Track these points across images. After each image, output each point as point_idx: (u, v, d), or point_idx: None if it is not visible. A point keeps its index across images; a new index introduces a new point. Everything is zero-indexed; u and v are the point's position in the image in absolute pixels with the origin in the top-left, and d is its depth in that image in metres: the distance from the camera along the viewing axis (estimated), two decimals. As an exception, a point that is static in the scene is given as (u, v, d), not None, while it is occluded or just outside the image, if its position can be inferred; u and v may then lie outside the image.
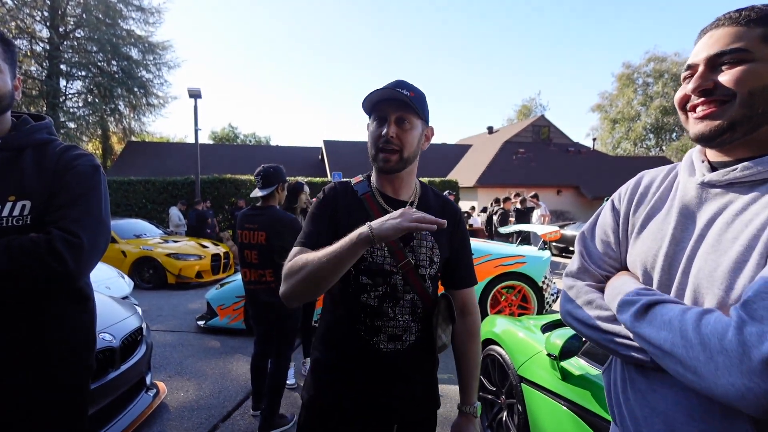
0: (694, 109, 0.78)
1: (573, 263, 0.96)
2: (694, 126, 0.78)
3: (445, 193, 9.29)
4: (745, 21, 0.73)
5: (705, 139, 0.77)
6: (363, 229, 0.94)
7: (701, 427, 0.70)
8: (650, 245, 0.81)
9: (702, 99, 0.76)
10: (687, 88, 0.79)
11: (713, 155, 0.80)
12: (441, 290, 1.26)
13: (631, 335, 0.77)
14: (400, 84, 1.14)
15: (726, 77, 0.73)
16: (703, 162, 0.80)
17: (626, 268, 0.88)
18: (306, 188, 3.46)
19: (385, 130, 1.12)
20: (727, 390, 0.60)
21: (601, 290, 0.88)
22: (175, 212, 10.45)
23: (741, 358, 0.59)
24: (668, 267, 0.77)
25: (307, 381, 1.24)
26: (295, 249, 1.12)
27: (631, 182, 0.94)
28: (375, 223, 0.94)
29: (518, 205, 9.41)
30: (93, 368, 1.26)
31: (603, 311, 0.83)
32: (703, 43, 0.78)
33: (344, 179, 1.26)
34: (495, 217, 9.04)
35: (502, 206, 9.19)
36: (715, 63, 0.75)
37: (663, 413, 0.75)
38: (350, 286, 1.15)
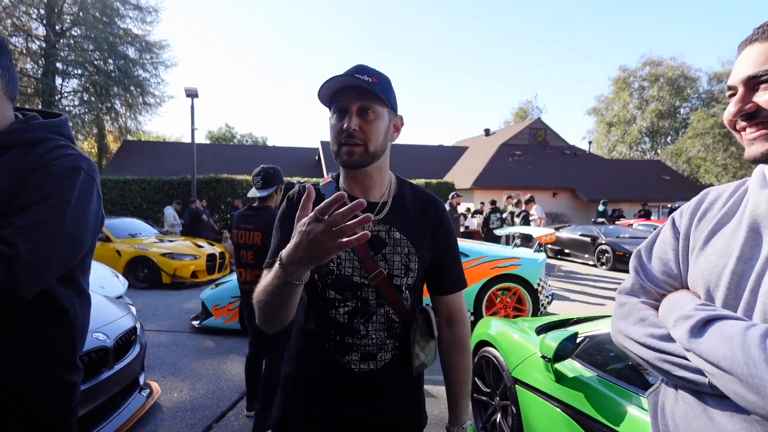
0: (743, 130, 0.75)
1: (627, 280, 0.89)
2: (748, 149, 0.74)
3: (451, 195, 9.32)
4: None
5: (759, 161, 0.74)
6: (277, 265, 0.81)
7: None
8: (715, 262, 0.74)
9: (747, 122, 0.73)
10: (730, 110, 0.75)
11: None
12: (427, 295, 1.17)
13: (686, 355, 0.71)
14: (360, 69, 1.00)
15: (763, 98, 0.70)
16: None
17: (686, 288, 0.82)
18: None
19: (346, 123, 0.98)
20: None
21: (656, 308, 0.81)
22: (170, 212, 10.41)
23: None
24: (735, 286, 0.70)
25: (277, 398, 1.14)
26: (264, 271, 1.00)
27: (695, 198, 0.87)
28: (284, 253, 0.79)
29: (513, 208, 9.45)
30: (72, 383, 1.12)
31: (657, 329, 0.77)
32: (740, 62, 0.74)
33: (311, 182, 1.17)
34: (517, 219, 9.05)
35: (524, 208, 9.19)
36: (752, 84, 0.72)
37: None
38: (318, 301, 1.05)
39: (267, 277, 0.87)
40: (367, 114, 0.99)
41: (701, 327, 0.68)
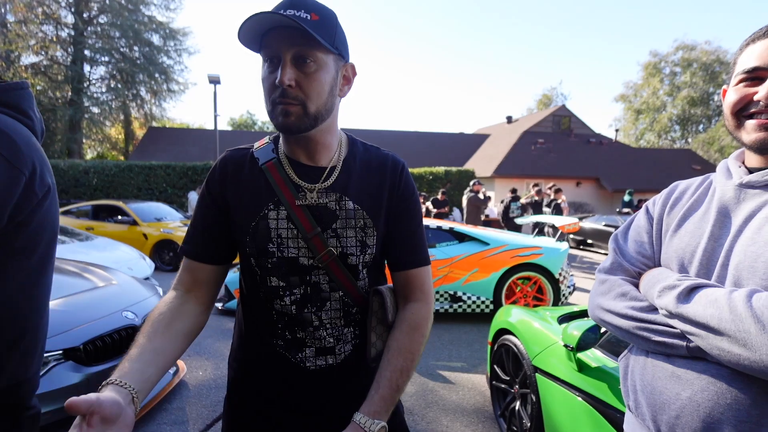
0: (754, 115, 0.77)
1: (606, 261, 0.97)
2: (757, 132, 0.76)
3: (472, 182, 9.23)
4: None
5: (764, 150, 0.77)
6: (109, 380, 0.68)
7: (727, 414, 0.70)
8: (688, 241, 0.83)
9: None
10: (754, 92, 0.77)
11: (753, 161, 0.82)
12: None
13: (667, 323, 0.78)
14: (294, 2, 0.76)
15: None
16: (740, 167, 0.83)
17: (659, 266, 0.91)
18: None
19: (278, 77, 0.77)
20: None
21: (635, 285, 0.89)
22: (194, 197, 10.65)
23: None
24: (707, 261, 0.79)
25: (224, 405, 1.00)
26: (183, 260, 0.90)
27: (665, 190, 0.97)
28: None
29: (535, 197, 9.30)
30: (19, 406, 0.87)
31: (638, 302, 0.84)
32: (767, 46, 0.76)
33: (243, 146, 0.94)
34: (547, 209, 8.96)
35: (553, 197, 9.08)
36: None
37: (686, 399, 0.75)
38: (259, 291, 0.88)
39: (134, 344, 0.76)
40: (306, 64, 0.78)
41: (687, 294, 0.75)
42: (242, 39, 0.79)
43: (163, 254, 7.67)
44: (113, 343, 2.35)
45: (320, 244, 0.84)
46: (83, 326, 2.26)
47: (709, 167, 22.25)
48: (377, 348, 0.89)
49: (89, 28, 20.46)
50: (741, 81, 0.79)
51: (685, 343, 0.75)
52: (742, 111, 0.80)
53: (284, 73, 0.77)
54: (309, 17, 0.76)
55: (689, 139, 31.91)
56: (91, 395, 0.59)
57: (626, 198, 13.63)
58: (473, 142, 23.84)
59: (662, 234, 0.91)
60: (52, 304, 2.34)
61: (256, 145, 0.93)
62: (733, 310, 0.67)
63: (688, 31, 68.15)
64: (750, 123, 0.78)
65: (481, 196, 9.22)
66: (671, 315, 0.77)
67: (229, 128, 40.90)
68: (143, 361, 0.73)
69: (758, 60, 0.77)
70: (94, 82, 21.71)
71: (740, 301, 0.67)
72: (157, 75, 21.91)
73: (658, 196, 0.98)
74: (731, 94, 0.81)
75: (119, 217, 8.14)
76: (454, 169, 15.08)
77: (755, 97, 0.77)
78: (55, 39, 19.96)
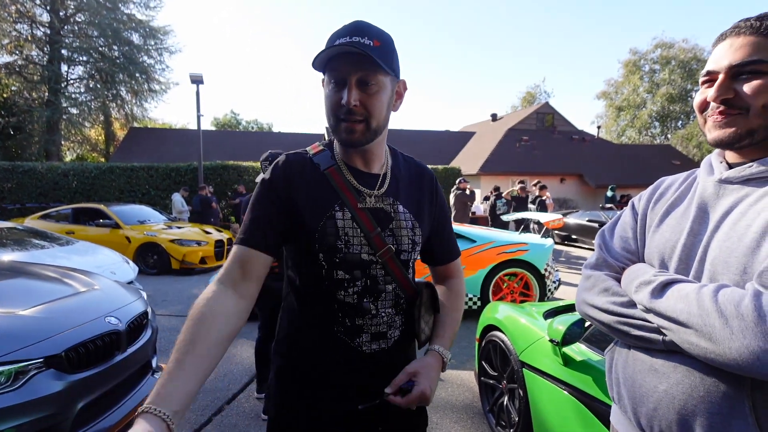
0: (712, 114, 0.81)
1: (592, 256, 0.99)
2: (713, 131, 0.81)
3: (458, 180, 9.30)
4: (763, 32, 0.75)
5: (723, 144, 0.81)
6: (145, 406, 0.70)
7: (700, 407, 0.72)
8: (669, 237, 0.85)
9: (722, 107, 0.79)
10: (708, 94, 0.81)
11: (732, 157, 0.84)
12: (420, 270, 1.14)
13: (645, 318, 0.80)
14: (359, 29, 0.87)
15: (743, 88, 0.76)
16: (721, 162, 0.84)
17: (643, 262, 0.92)
18: None
19: (345, 98, 0.87)
20: (740, 352, 0.63)
21: (618, 280, 0.91)
22: (178, 198, 10.47)
23: (757, 321, 0.62)
24: (685, 257, 0.80)
25: (271, 393, 1.04)
26: (233, 249, 0.94)
27: (652, 185, 0.99)
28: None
29: (519, 193, 9.40)
30: None
31: (619, 297, 0.86)
32: (723, 50, 0.80)
33: (298, 150, 1.03)
34: (532, 206, 9.04)
35: (538, 194, 9.17)
36: (735, 73, 0.78)
37: (663, 392, 0.77)
38: (323, 283, 0.96)
39: (176, 351, 0.81)
40: (368, 86, 0.88)
41: (661, 289, 0.77)
42: (315, 64, 0.91)
43: (147, 257, 7.54)
44: (96, 350, 2.29)
45: (380, 242, 0.96)
46: (64, 333, 2.20)
47: (688, 162, 22.78)
48: (425, 333, 1.04)
49: (66, 27, 19.92)
50: (703, 83, 0.84)
51: (661, 338, 0.77)
52: (703, 111, 0.84)
53: (350, 95, 0.87)
54: (371, 44, 0.86)
55: (669, 135, 32.60)
56: None
57: (609, 193, 13.88)
58: (459, 139, 23.98)
59: (646, 229, 0.92)
60: (32, 311, 2.29)
61: (311, 151, 1.01)
62: (701, 304, 0.69)
63: (666, 29, 69.63)
64: (708, 122, 0.82)
65: (467, 192, 9.29)
66: (647, 310, 0.79)
67: (213, 128, 40.33)
68: (183, 377, 0.75)
69: (712, 63, 0.81)
70: (72, 82, 21.15)
71: (707, 296, 0.69)
72: (137, 74, 21.45)
73: (645, 191, 0.99)
74: (697, 95, 0.85)
75: (101, 220, 7.96)
76: (440, 167, 15.15)
77: (708, 98, 0.81)
78: (30, 38, 19.39)
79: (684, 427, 0.74)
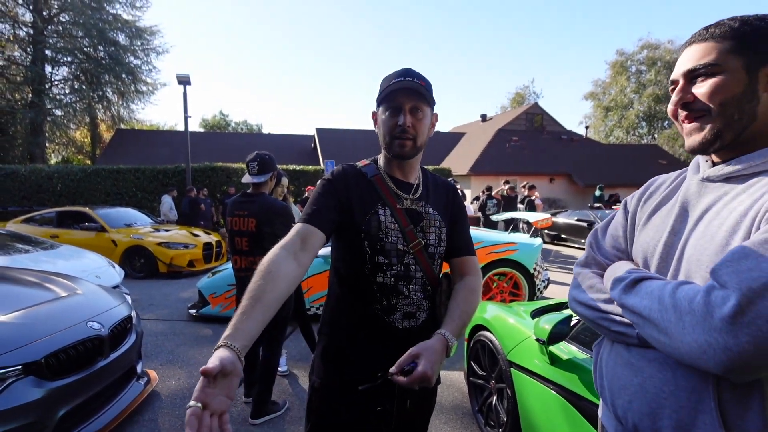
0: (683, 121, 0.84)
1: (582, 255, 1.03)
2: (686, 139, 0.84)
3: (449, 180, 9.34)
4: (713, 36, 0.79)
5: (696, 151, 0.83)
6: (222, 341, 0.85)
7: (669, 401, 0.74)
8: (652, 236, 0.87)
9: (686, 112, 0.82)
10: (672, 100, 0.85)
11: (718, 155, 0.84)
12: (445, 267, 1.31)
13: (621, 312, 0.82)
14: (410, 73, 1.16)
15: (700, 90, 0.79)
16: (707, 161, 0.86)
17: (631, 260, 0.94)
18: (285, 180, 3.37)
19: (401, 120, 1.14)
20: (691, 347, 0.66)
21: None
22: (168, 200, 10.34)
23: (705, 316, 0.64)
24: (666, 255, 0.82)
25: (316, 365, 1.25)
26: (296, 225, 1.13)
27: (645, 184, 1.01)
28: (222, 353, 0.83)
29: (507, 192, 9.45)
30: None
31: (602, 294, 0.89)
32: (681, 58, 0.84)
33: (350, 163, 1.30)
34: (521, 206, 9.08)
35: (527, 194, 9.20)
36: (691, 77, 0.81)
37: (637, 385, 0.80)
38: (365, 266, 1.17)
39: (244, 302, 0.92)
40: (417, 113, 1.16)
41: (632, 285, 0.80)
42: (378, 99, 1.19)
43: (134, 261, 7.42)
44: (78, 355, 2.25)
45: (413, 235, 1.19)
46: (44, 339, 2.15)
47: (674, 162, 23.12)
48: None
49: (50, 27, 19.53)
50: (671, 91, 0.86)
51: (636, 332, 0.79)
52: (677, 119, 0.86)
53: (406, 118, 1.15)
54: (419, 83, 1.15)
55: (655, 135, 33.06)
56: (216, 362, 0.78)
57: (597, 193, 14.03)
58: (449, 140, 24.05)
59: (635, 228, 0.94)
60: (10, 317, 2.23)
61: (360, 164, 1.27)
62: (661, 300, 0.72)
63: (652, 30, 70.63)
64: (684, 129, 0.84)
65: (459, 193, 9.32)
66: (619, 305, 0.82)
67: (202, 129, 39.95)
68: (252, 320, 0.89)
69: (674, 73, 0.85)
70: (56, 83, 20.74)
71: (668, 293, 0.71)
72: (123, 75, 21.09)
73: (638, 190, 1.02)
74: (669, 104, 0.87)
75: (86, 223, 7.82)
76: (430, 167, 15.17)
77: (672, 104, 0.85)
78: (12, 38, 18.98)
79: (654, 420, 0.76)
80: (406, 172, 1.25)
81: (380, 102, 1.19)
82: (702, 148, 0.81)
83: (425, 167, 1.36)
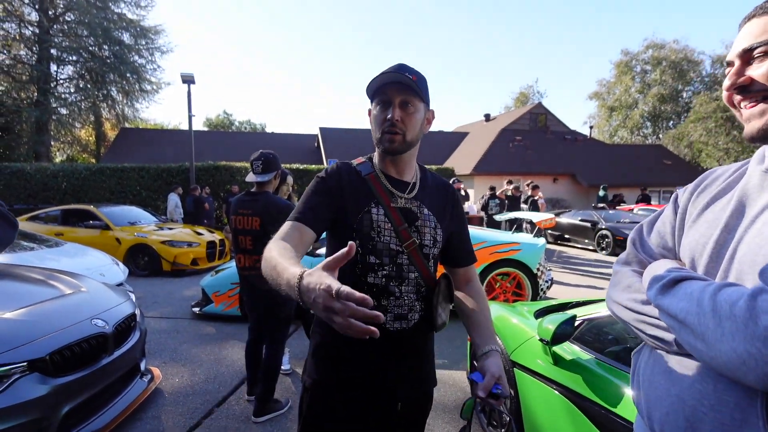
0: (740, 105, 0.75)
1: (624, 252, 0.95)
2: (745, 126, 0.74)
3: (452, 180, 9.32)
4: None
5: (756, 140, 0.74)
6: (294, 279, 0.78)
7: (709, 416, 0.67)
8: (703, 232, 0.78)
9: (741, 96, 0.74)
10: (725, 84, 0.76)
11: None
12: (440, 270, 1.28)
13: (658, 314, 0.75)
14: (402, 68, 1.13)
15: (757, 72, 0.70)
16: None
17: (678, 259, 0.85)
18: (290, 179, 3.36)
19: (390, 114, 1.12)
20: (729, 356, 0.59)
21: None
22: (174, 198, 10.40)
23: (747, 323, 0.57)
24: (716, 255, 0.73)
25: (308, 364, 1.23)
26: (287, 223, 1.10)
27: (700, 176, 0.90)
28: (305, 282, 0.75)
29: (512, 192, 9.42)
30: None
31: (639, 294, 0.82)
32: (738, 37, 0.75)
33: (345, 161, 1.27)
34: (525, 206, 9.05)
35: (530, 194, 9.18)
36: (748, 57, 0.72)
37: (675, 396, 0.73)
38: (356, 266, 1.14)
39: (279, 262, 0.88)
40: (407, 107, 1.13)
41: (670, 286, 0.72)
42: (368, 89, 1.15)
43: (138, 259, 7.45)
44: (82, 353, 2.26)
45: (407, 234, 1.16)
46: (49, 336, 2.16)
47: (679, 162, 23.00)
48: (442, 319, 1.19)
49: (55, 26, 19.64)
50: (726, 73, 0.78)
51: (673, 338, 0.72)
52: (734, 106, 0.77)
53: (395, 112, 1.12)
54: (411, 78, 1.10)
55: (660, 135, 32.87)
56: (325, 280, 0.72)
57: (601, 193, 13.98)
58: (452, 140, 24.01)
59: (684, 224, 0.85)
60: (15, 314, 2.24)
61: (355, 162, 1.24)
62: (700, 303, 0.64)
63: (657, 29, 70.21)
64: (743, 115, 0.75)
65: (462, 193, 9.30)
66: (655, 307, 0.75)
67: (206, 128, 40.08)
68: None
69: (729, 53, 0.75)
70: (61, 82, 20.86)
71: (708, 295, 0.64)
72: (128, 74, 21.19)
73: (692, 183, 0.91)
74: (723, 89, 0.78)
75: (90, 221, 7.86)
76: (433, 167, 15.17)
77: (725, 89, 0.75)
78: (18, 37, 19.10)
79: None
80: (400, 170, 1.22)
81: (372, 97, 1.17)
82: (762, 136, 0.71)
83: (426, 166, 1.34)
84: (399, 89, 1.11)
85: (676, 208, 0.88)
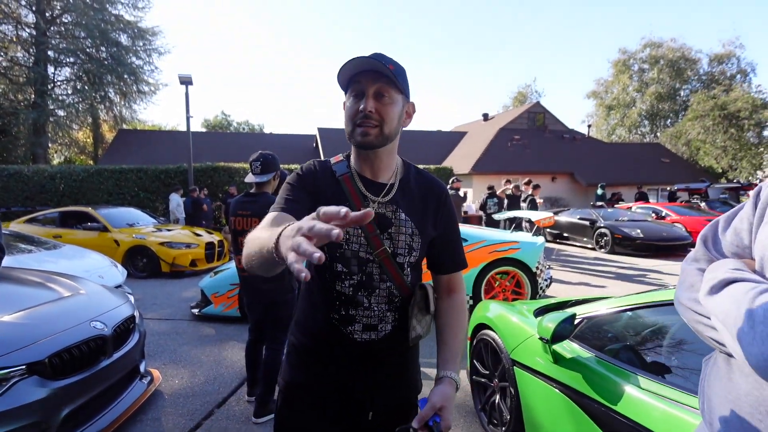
0: None
1: (693, 249, 0.90)
2: None
3: (452, 180, 9.32)
4: None
5: None
6: (272, 244, 0.69)
7: (765, 423, 0.65)
8: None
9: None
10: None
11: None
12: (426, 274, 1.22)
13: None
14: (378, 56, 1.03)
15: None
16: None
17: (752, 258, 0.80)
18: None
19: (362, 105, 1.02)
20: (757, 359, 0.59)
21: None
22: (176, 199, 10.37)
23: None
24: None
25: (283, 365, 1.20)
26: (270, 213, 1.02)
27: None
28: (281, 242, 0.66)
29: (511, 191, 9.42)
30: None
31: (698, 294, 0.79)
32: None
33: (323, 159, 1.21)
34: (524, 204, 9.03)
35: (531, 193, 9.16)
36: None
37: (732, 401, 0.71)
38: (325, 273, 1.09)
39: (263, 235, 0.77)
40: (383, 98, 1.03)
41: (721, 287, 0.69)
42: (339, 77, 1.05)
43: (137, 261, 7.44)
44: (81, 355, 2.25)
45: (378, 242, 1.07)
46: (48, 339, 2.16)
47: (677, 160, 23.06)
48: (417, 331, 1.12)
49: (52, 28, 19.59)
50: None
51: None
52: None
53: (368, 102, 1.02)
54: (388, 66, 1.01)
55: (658, 134, 32.91)
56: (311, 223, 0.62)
57: (599, 192, 14.01)
58: (451, 139, 24.03)
59: (763, 220, 0.78)
60: (13, 317, 2.24)
61: (333, 160, 1.17)
62: (740, 306, 0.63)
63: (655, 28, 70.28)
64: None
65: (461, 194, 9.30)
66: (705, 307, 0.73)
67: (204, 130, 40.02)
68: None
69: None
70: (59, 83, 20.81)
71: (749, 298, 0.62)
72: (126, 76, 21.15)
73: None
74: None
75: (88, 223, 7.84)
76: (432, 166, 15.17)
77: None
78: (15, 39, 19.05)
79: None
80: (376, 170, 1.12)
81: (345, 87, 1.07)
82: None
83: (414, 165, 1.23)
84: (374, 78, 1.02)
85: (757, 203, 0.80)
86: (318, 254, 0.55)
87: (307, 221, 0.61)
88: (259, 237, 0.81)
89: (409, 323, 1.11)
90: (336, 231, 0.57)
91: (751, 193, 0.85)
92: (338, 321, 1.09)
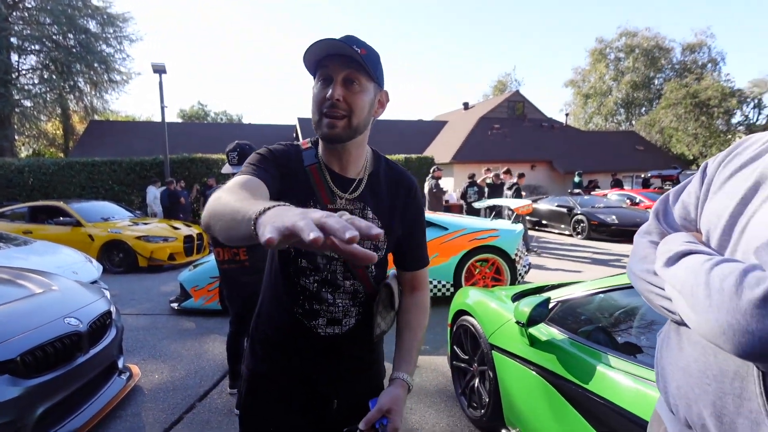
0: None
1: (646, 222, 0.92)
2: None
3: (433, 169, 9.32)
4: None
5: None
6: (254, 213, 0.59)
7: (712, 386, 0.69)
8: (722, 203, 0.74)
9: None
10: None
11: None
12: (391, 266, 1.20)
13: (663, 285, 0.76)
14: (350, 39, 0.95)
15: None
16: None
17: (698, 231, 0.83)
18: None
19: (330, 92, 0.94)
20: (711, 325, 0.61)
21: None
22: (153, 191, 10.12)
23: (732, 297, 0.59)
24: (729, 228, 0.71)
25: (246, 354, 1.18)
26: (238, 177, 0.92)
27: (733, 144, 0.86)
28: (268, 216, 0.57)
29: (490, 180, 9.52)
30: None
31: (652, 265, 0.81)
32: None
33: (295, 142, 1.12)
34: (509, 192, 9.09)
35: (516, 181, 9.22)
36: None
37: (682, 369, 0.74)
38: (290, 267, 1.06)
39: (238, 204, 0.67)
40: (352, 85, 0.95)
41: (677, 258, 0.72)
42: (305, 60, 0.96)
43: (113, 256, 7.26)
44: (56, 352, 2.20)
45: None
46: (19, 337, 2.10)
47: (651, 147, 23.67)
48: (381, 328, 1.11)
49: (15, 13, 18.68)
50: None
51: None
52: None
53: (335, 90, 0.93)
54: (359, 51, 0.93)
55: (633, 122, 33.71)
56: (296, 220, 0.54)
57: (576, 179, 14.30)
58: (432, 128, 24.06)
59: (709, 194, 0.81)
60: (-19, 315, 2.16)
61: (302, 146, 1.10)
62: (697, 275, 0.66)
63: (631, 17, 71.42)
64: None
65: (442, 185, 9.34)
66: (661, 278, 0.76)
67: (180, 120, 38.98)
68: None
69: None
70: (24, 72, 19.93)
71: (705, 268, 0.65)
72: (95, 64, 20.38)
73: (722, 152, 0.87)
74: None
75: (60, 218, 7.59)
76: (413, 156, 15.16)
77: None
78: (-26, 25, 18.10)
79: (698, 407, 0.70)
80: (344, 164, 1.06)
81: (314, 72, 0.99)
82: None
83: (382, 155, 1.16)
84: (343, 63, 0.94)
85: (704, 178, 0.83)
86: (316, 235, 0.49)
87: (319, 212, 0.54)
88: (229, 201, 0.71)
89: (374, 320, 1.10)
90: (353, 233, 0.52)
91: (700, 167, 0.87)
92: (302, 315, 1.07)
